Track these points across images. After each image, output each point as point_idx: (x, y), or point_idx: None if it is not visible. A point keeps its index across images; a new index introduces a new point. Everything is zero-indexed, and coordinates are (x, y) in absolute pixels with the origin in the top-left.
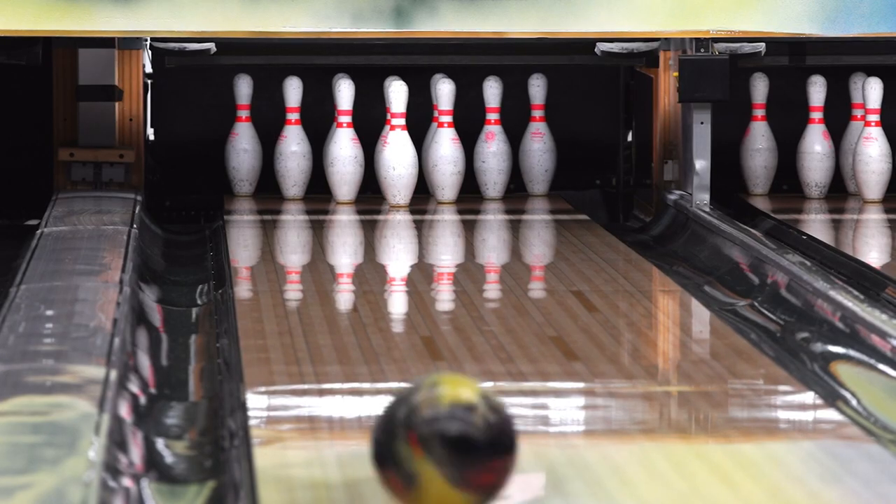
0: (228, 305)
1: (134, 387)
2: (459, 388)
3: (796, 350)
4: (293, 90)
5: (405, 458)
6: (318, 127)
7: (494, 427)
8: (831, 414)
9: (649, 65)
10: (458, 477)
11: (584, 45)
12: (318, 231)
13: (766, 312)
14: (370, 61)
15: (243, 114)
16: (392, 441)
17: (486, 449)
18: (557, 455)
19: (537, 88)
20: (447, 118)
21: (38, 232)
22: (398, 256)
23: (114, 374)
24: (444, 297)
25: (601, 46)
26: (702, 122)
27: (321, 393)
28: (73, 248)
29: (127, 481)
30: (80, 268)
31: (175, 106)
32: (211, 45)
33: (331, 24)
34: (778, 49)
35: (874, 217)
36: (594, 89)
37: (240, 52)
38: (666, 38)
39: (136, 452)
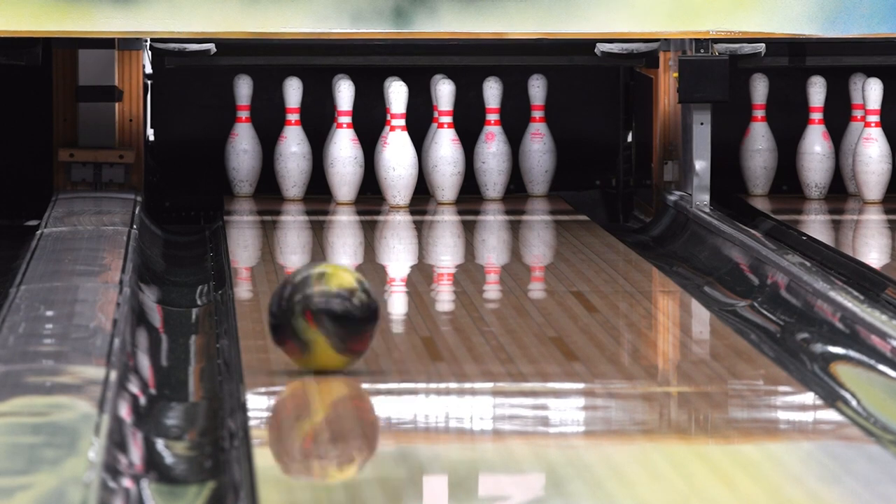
0: (228, 306)
1: (134, 387)
2: (342, 275)
3: (796, 351)
4: (293, 91)
5: (302, 329)
6: (318, 127)
7: (367, 306)
8: (831, 414)
9: (649, 65)
10: (342, 345)
11: (583, 46)
12: (318, 232)
13: (765, 313)
14: (370, 62)
15: (243, 114)
16: (291, 317)
17: (361, 323)
18: (557, 455)
19: (537, 89)
20: (447, 119)
21: (38, 232)
22: (398, 257)
23: (114, 375)
24: (444, 298)
25: (601, 47)
26: (702, 123)
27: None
28: (72, 248)
29: (127, 482)
30: (80, 268)
31: (175, 106)
32: (211, 46)
33: (330, 25)
34: (778, 50)
35: (874, 218)
36: (594, 90)
37: (240, 52)
38: (666, 39)
39: (136, 453)
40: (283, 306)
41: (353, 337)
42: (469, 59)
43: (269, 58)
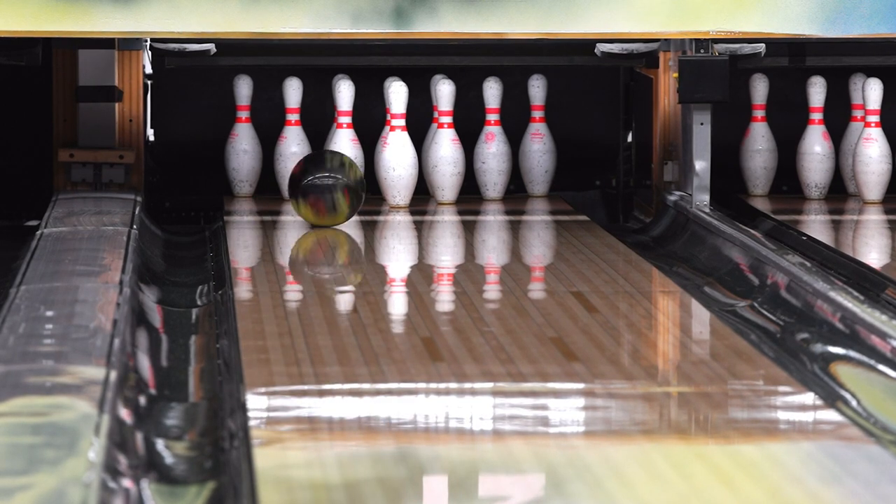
0: (228, 306)
1: (134, 387)
2: (356, 167)
3: (796, 351)
4: (293, 91)
5: (339, 201)
6: (318, 128)
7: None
8: (831, 415)
9: (649, 65)
10: (350, 211)
11: (584, 46)
12: (318, 232)
13: (765, 313)
14: (370, 62)
15: (243, 115)
16: (334, 191)
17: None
18: (557, 456)
19: (537, 89)
20: (447, 119)
21: (38, 233)
22: (398, 257)
23: (114, 375)
24: (444, 298)
25: (601, 47)
26: (702, 123)
27: (321, 394)
28: (72, 248)
29: (127, 482)
30: (80, 269)
31: (175, 107)
32: (211, 46)
33: (331, 25)
34: (778, 50)
35: (874, 218)
36: (594, 90)
37: (240, 52)
38: (666, 39)
39: (135, 453)
40: (330, 183)
41: (358, 204)
42: (469, 59)
43: (269, 58)
